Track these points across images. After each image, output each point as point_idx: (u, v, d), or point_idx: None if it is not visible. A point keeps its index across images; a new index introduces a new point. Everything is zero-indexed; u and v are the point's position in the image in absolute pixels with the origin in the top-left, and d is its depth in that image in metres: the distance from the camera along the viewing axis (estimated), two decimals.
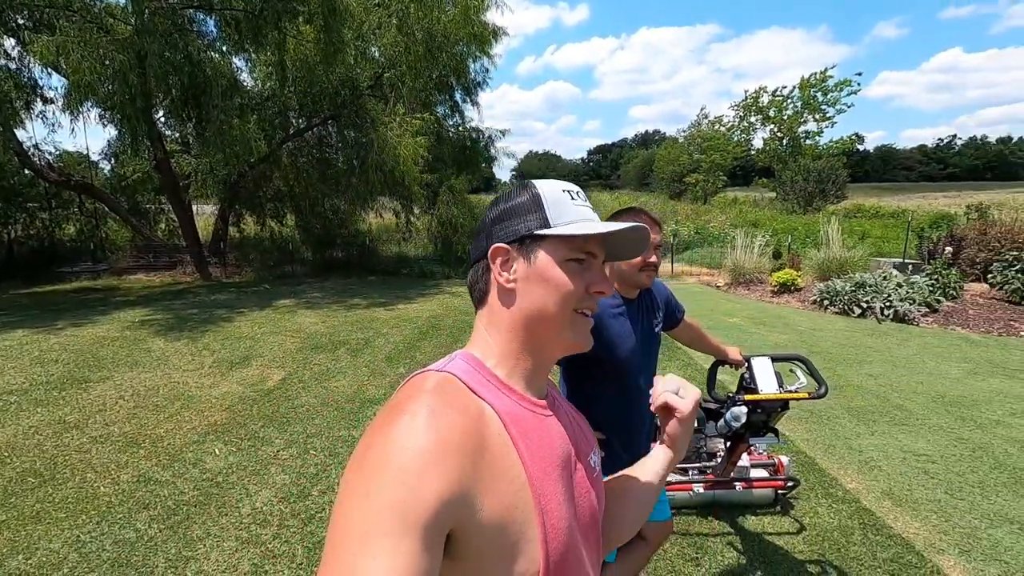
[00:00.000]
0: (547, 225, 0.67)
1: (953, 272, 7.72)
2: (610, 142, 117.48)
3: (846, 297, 7.42)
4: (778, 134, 34.68)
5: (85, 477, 3.13)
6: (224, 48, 10.46)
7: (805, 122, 33.32)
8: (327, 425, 3.85)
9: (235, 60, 11.22)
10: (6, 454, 3.41)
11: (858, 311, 7.21)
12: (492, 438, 0.58)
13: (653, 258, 1.59)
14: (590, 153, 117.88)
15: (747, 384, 2.16)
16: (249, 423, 3.88)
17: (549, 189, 0.70)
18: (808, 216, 15.16)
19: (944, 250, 8.71)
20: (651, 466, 0.85)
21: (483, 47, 11.86)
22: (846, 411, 4.13)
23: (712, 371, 2.21)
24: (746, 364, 2.17)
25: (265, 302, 8.69)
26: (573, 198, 0.70)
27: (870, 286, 7.39)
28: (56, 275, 11.80)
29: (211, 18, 10.40)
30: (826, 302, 7.69)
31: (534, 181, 0.72)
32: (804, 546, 2.55)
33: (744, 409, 2.05)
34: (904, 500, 2.92)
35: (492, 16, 12.15)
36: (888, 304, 7.03)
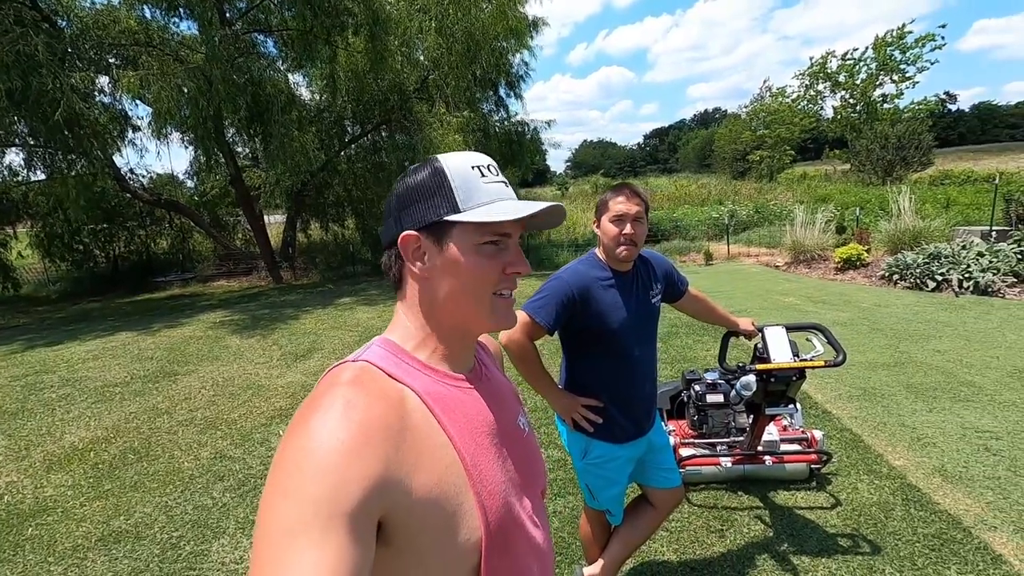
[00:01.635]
0: (456, 209, 0.64)
1: None
2: (667, 125, 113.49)
3: (918, 270, 6.87)
4: (850, 100, 32.06)
5: (172, 454, 3.60)
6: (282, 66, 11.24)
7: (881, 84, 30.57)
8: None
9: (293, 76, 12.03)
10: (112, 436, 3.96)
11: (932, 285, 6.66)
12: (414, 420, 0.59)
13: (628, 229, 1.64)
14: (646, 138, 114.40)
15: (760, 354, 2.15)
16: None
17: (456, 166, 0.67)
18: (885, 187, 14.00)
19: None
20: None
21: (522, 40, 11.94)
22: (904, 388, 3.90)
23: (724, 342, 2.22)
24: (759, 334, 2.17)
25: (328, 301, 9.30)
26: (484, 174, 0.67)
27: (946, 257, 6.80)
28: (152, 285, 13.23)
29: (270, 39, 11.21)
30: (895, 276, 7.16)
31: (440, 157, 0.68)
32: (838, 521, 2.50)
33: (753, 378, 2.05)
34: (958, 477, 2.77)
35: (531, 8, 12.25)
36: (967, 275, 6.45)
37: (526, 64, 13.37)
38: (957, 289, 6.44)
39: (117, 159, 11.33)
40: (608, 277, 1.73)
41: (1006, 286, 6.28)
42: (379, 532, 0.53)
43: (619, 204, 1.67)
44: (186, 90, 8.66)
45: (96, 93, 9.71)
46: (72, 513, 2.94)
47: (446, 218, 0.64)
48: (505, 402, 0.75)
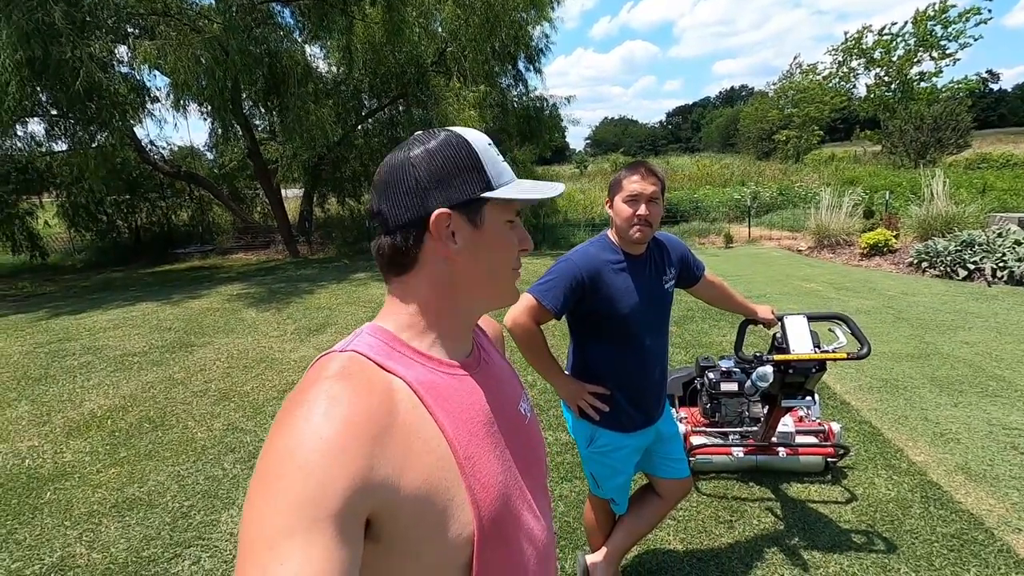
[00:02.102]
0: (490, 186, 0.63)
1: None
2: (691, 102, 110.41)
3: (948, 258, 6.60)
4: (885, 79, 30.66)
5: (187, 425, 3.66)
6: (299, 37, 11.09)
7: (920, 62, 29.12)
8: None
9: (310, 48, 11.87)
10: (129, 404, 4.05)
11: (963, 273, 6.40)
12: (403, 413, 0.57)
13: (642, 210, 1.55)
14: (669, 115, 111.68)
15: (778, 344, 2.06)
16: None
17: (478, 142, 0.65)
18: (918, 171, 13.44)
19: None
20: None
21: (543, 12, 11.56)
22: (928, 380, 3.77)
23: (741, 330, 2.13)
24: (779, 323, 2.07)
25: (343, 276, 9.35)
26: (497, 153, 0.67)
27: (980, 244, 6.51)
28: (173, 256, 13.44)
29: (287, 9, 11.04)
30: (924, 264, 6.89)
31: (457, 130, 0.66)
32: (852, 516, 2.43)
33: (769, 369, 1.97)
34: (982, 475, 2.67)
35: None
36: (1002, 264, 6.17)
37: (547, 37, 12.99)
38: (990, 278, 6.18)
39: (138, 131, 11.41)
40: (620, 260, 1.65)
41: None
42: (368, 529, 0.52)
43: (633, 183, 1.58)
44: (203, 60, 8.60)
45: (115, 63, 9.70)
46: (89, 479, 3.01)
47: (482, 195, 0.63)
48: (505, 388, 0.73)
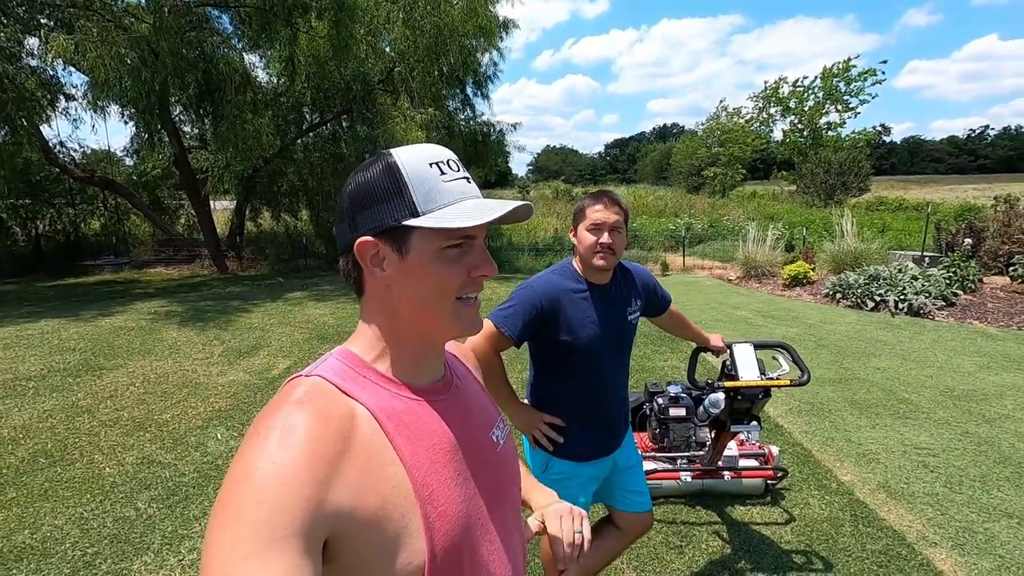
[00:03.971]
0: (415, 213, 0.59)
1: (971, 265, 7.49)
2: (627, 136, 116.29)
3: (859, 290, 7.26)
4: (798, 125, 33.92)
5: (92, 458, 3.25)
6: (238, 45, 10.65)
7: (827, 113, 32.53)
8: None
9: (250, 57, 11.42)
10: (20, 436, 3.55)
11: (871, 304, 7.05)
12: (362, 439, 0.56)
13: (605, 239, 1.57)
14: (607, 147, 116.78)
15: (728, 371, 2.14)
16: (252, 409, 3.98)
17: (412, 163, 0.61)
18: (828, 209, 14.83)
19: (963, 242, 8.45)
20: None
21: (491, 40, 11.83)
22: (849, 404, 4.06)
23: (693, 358, 2.19)
24: (728, 351, 2.15)
25: (277, 294, 8.86)
26: (443, 171, 0.62)
27: (884, 279, 7.21)
28: (80, 269, 12.19)
29: (226, 15, 10.59)
30: (838, 295, 7.53)
31: (394, 151, 0.62)
32: (792, 536, 2.53)
33: (722, 395, 2.03)
34: (900, 493, 2.87)
35: (502, 9, 12.20)
36: (902, 297, 6.86)
37: (495, 64, 13.28)
38: (894, 309, 6.84)
39: (45, 130, 10.40)
40: (582, 289, 1.65)
41: (936, 308, 6.71)
42: (324, 549, 0.52)
43: (597, 212, 1.60)
44: (128, 60, 8.02)
45: (24, 56, 8.85)
46: None
47: (404, 223, 0.60)
48: (475, 414, 0.71)
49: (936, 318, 6.59)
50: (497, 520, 0.68)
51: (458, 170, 0.64)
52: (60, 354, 5.35)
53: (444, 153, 0.64)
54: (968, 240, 8.48)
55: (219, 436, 3.56)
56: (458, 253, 0.62)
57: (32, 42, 9.20)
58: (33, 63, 9.16)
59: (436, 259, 0.61)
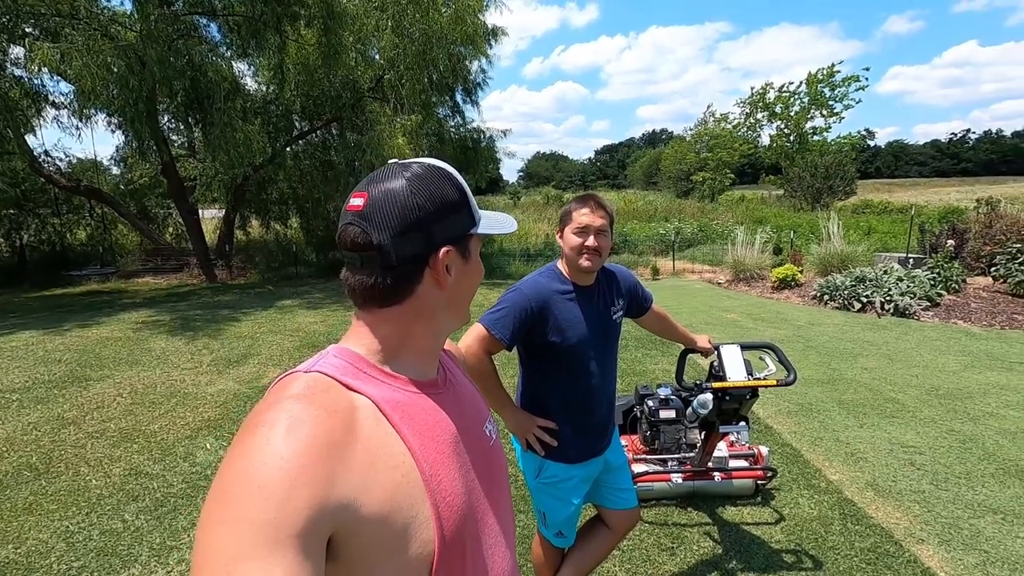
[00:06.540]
0: (475, 221, 0.68)
1: (955, 266, 7.62)
2: (617, 142, 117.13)
3: (846, 292, 7.36)
4: (785, 130, 34.40)
5: (78, 471, 3.21)
6: (227, 53, 10.62)
7: (812, 118, 33.04)
8: None
9: (239, 65, 11.40)
10: (4, 449, 3.49)
11: (858, 306, 7.14)
12: (367, 430, 0.56)
13: (591, 241, 1.59)
14: (597, 153, 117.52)
15: (716, 372, 2.16)
16: (241, 418, 3.93)
17: (460, 178, 0.68)
18: (815, 213, 15.04)
19: (946, 244, 8.60)
20: None
21: (480, 47, 11.90)
22: (837, 404, 4.11)
23: (681, 359, 2.21)
24: (715, 351, 2.18)
25: (268, 303, 8.80)
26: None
27: (870, 280, 7.31)
28: (66, 279, 12.03)
29: (214, 23, 10.57)
30: (826, 297, 7.63)
31: (446, 168, 0.67)
32: (782, 536, 2.55)
33: (710, 396, 2.05)
34: (887, 491, 2.91)
35: (491, 16, 12.27)
36: (888, 298, 6.96)
37: (484, 72, 13.35)
38: (880, 311, 6.94)
39: (30, 139, 10.28)
40: (569, 291, 1.67)
41: (921, 309, 6.82)
42: (328, 547, 0.51)
43: (583, 215, 1.63)
44: (115, 69, 7.97)
45: (8, 64, 8.76)
46: None
47: (471, 231, 0.67)
48: (469, 409, 0.74)
49: (921, 318, 6.69)
50: (495, 510, 0.70)
51: None
52: (45, 365, 5.28)
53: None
54: (951, 242, 8.63)
55: (208, 446, 3.52)
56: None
57: (17, 51, 9.14)
58: (18, 72, 9.07)
59: (479, 260, 0.72)
